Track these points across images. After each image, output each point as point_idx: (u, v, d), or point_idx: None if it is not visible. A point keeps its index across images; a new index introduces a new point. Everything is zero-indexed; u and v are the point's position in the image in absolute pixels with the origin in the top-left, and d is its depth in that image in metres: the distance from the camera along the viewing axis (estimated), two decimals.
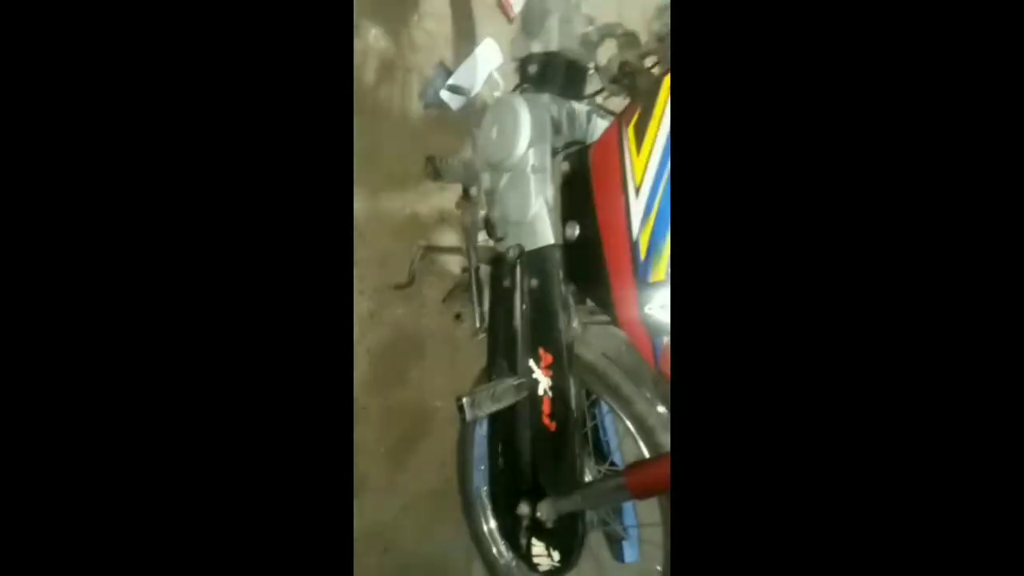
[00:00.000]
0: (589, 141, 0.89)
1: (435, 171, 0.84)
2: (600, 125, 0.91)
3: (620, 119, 0.69)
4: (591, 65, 0.89)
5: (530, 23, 0.87)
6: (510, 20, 1.35)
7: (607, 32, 0.84)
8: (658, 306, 0.64)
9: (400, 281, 1.03)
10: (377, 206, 1.25)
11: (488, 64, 1.21)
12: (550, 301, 0.81)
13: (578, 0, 0.87)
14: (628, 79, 0.78)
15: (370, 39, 1.22)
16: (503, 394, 0.80)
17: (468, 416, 0.76)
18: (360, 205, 1.21)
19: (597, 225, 0.73)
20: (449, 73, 1.19)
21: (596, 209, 0.73)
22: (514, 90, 0.89)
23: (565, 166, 0.83)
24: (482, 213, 0.87)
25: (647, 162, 0.65)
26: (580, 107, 0.89)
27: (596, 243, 0.72)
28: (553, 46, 0.85)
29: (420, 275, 1.09)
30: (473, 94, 1.19)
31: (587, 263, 0.74)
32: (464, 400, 0.76)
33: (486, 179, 0.88)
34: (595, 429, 0.93)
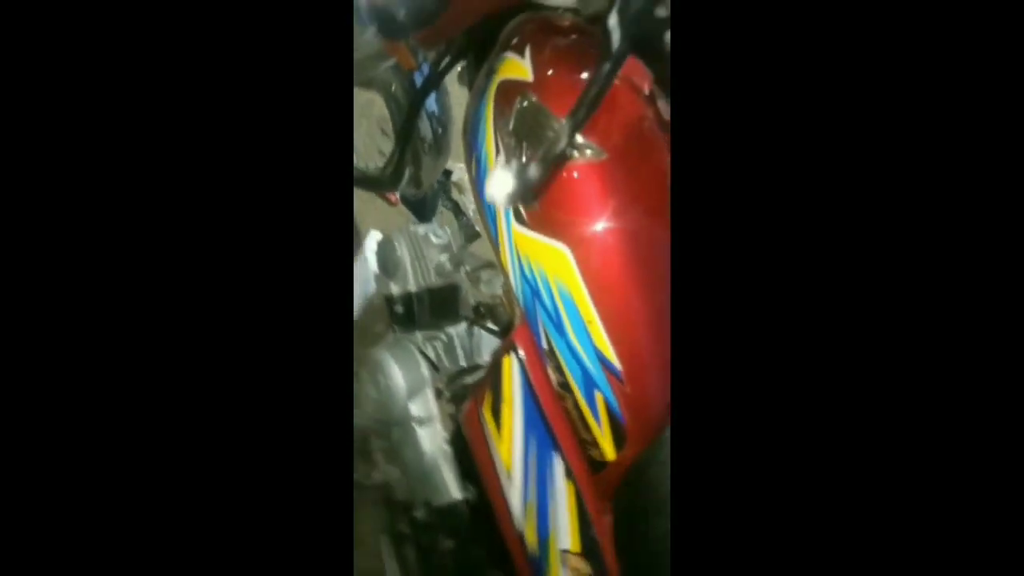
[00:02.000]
0: (476, 360, 0.84)
1: None
2: (486, 338, 0.86)
3: (476, 399, 0.63)
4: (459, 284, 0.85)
5: (383, 265, 0.84)
6: (393, 204, 1.33)
7: (457, 261, 0.81)
8: None
9: None
10: None
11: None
12: (471, 569, 0.73)
13: (427, 231, 0.84)
14: (486, 316, 0.74)
15: None
16: None
17: None
18: None
19: (488, 498, 0.66)
20: None
21: (482, 480, 0.66)
22: (388, 330, 0.85)
23: (451, 408, 0.78)
24: (378, 478, 0.81)
25: (511, 446, 0.59)
26: (458, 330, 0.84)
27: (493, 517, 0.65)
28: (411, 285, 0.81)
29: None
30: (370, 295, 1.15)
31: (493, 532, 0.67)
32: None
33: (376, 441, 0.82)
34: None
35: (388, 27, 0.47)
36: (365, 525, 1.06)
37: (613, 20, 0.45)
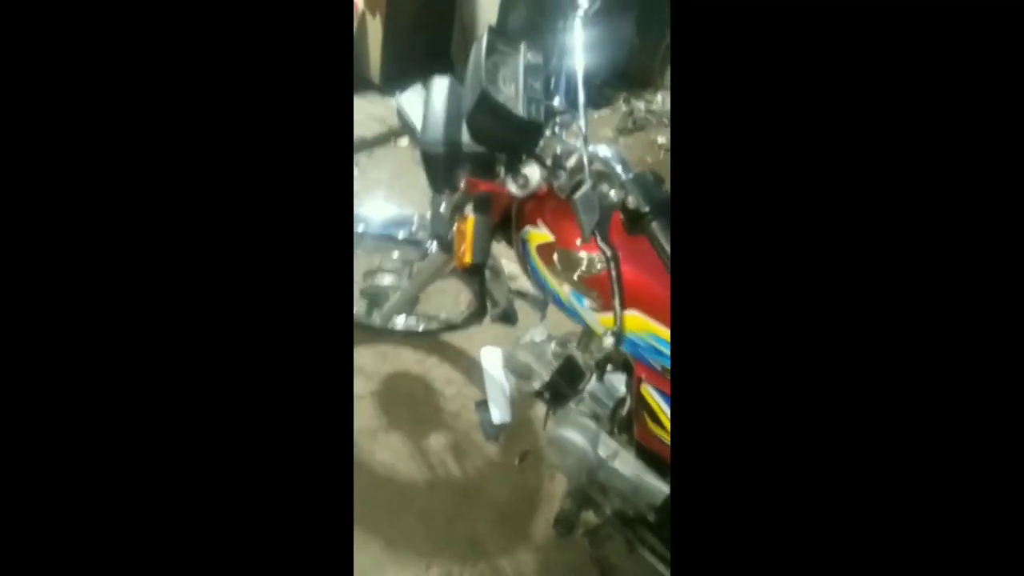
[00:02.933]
0: (616, 395, 1.08)
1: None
2: (614, 377, 1.11)
3: (639, 423, 0.89)
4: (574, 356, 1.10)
5: (518, 374, 1.11)
6: (480, 323, 1.61)
7: (563, 341, 1.07)
8: None
9: None
10: None
11: (499, 368, 1.45)
12: None
13: (529, 337, 1.11)
14: (605, 364, 0.99)
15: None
16: None
17: None
18: None
19: None
20: (485, 402, 1.42)
21: None
22: (546, 420, 1.12)
23: (624, 437, 1.02)
24: (609, 510, 1.05)
25: None
26: (593, 384, 1.09)
27: None
28: (544, 376, 1.08)
29: None
30: (509, 397, 1.41)
31: None
32: None
33: (592, 487, 1.07)
34: None
35: None
36: (621, 550, 1.29)
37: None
